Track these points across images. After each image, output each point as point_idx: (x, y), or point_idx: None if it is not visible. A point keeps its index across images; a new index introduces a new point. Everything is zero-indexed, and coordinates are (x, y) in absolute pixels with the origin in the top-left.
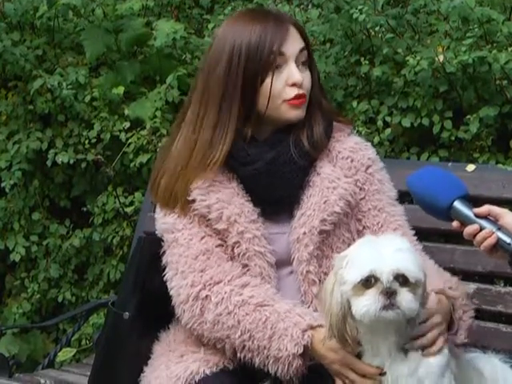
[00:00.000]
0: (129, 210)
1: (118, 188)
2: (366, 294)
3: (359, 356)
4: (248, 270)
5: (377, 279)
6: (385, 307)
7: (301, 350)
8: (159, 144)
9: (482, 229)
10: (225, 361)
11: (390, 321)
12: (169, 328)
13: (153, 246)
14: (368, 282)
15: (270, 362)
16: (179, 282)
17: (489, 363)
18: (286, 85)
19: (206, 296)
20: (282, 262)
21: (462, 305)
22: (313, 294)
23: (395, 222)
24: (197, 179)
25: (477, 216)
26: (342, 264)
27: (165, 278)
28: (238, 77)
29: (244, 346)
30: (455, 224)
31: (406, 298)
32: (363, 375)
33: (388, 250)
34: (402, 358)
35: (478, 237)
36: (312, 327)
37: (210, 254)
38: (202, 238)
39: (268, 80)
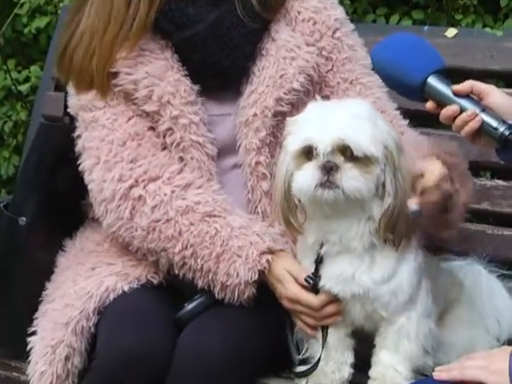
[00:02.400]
0: (23, 88)
1: (9, 61)
2: (304, 167)
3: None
4: (184, 165)
5: (315, 150)
6: (321, 185)
7: (255, 277)
8: (61, 4)
9: (462, 110)
10: (148, 274)
11: (328, 202)
12: (76, 235)
13: (58, 134)
14: (310, 153)
15: (217, 287)
16: (102, 174)
17: (471, 271)
18: None
19: (140, 196)
20: (226, 152)
21: (460, 174)
22: (262, 190)
23: (372, 96)
24: (120, 50)
25: (456, 94)
26: (292, 130)
27: (80, 168)
28: None
29: (184, 264)
30: (430, 105)
31: (347, 175)
32: (316, 309)
33: (336, 116)
34: (367, 263)
35: (458, 120)
36: (271, 251)
37: (140, 139)
38: (130, 118)
39: None
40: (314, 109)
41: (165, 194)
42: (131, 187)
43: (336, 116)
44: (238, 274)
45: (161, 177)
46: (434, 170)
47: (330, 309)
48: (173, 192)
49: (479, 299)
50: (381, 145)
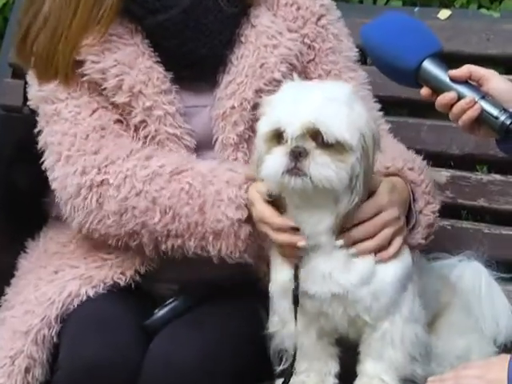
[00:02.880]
0: None
1: None
2: (273, 151)
3: None
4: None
5: (284, 134)
6: (288, 171)
7: (246, 213)
8: None
9: (460, 97)
10: (114, 275)
11: (295, 190)
12: (39, 236)
13: (17, 126)
14: (280, 137)
15: (210, 239)
16: (65, 169)
17: (468, 269)
18: None
19: (102, 181)
20: (202, 147)
21: (424, 193)
22: None
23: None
24: (87, 36)
25: (453, 80)
26: (265, 110)
27: (43, 167)
28: None
29: (169, 232)
30: (424, 91)
31: (316, 162)
32: (278, 229)
33: (310, 97)
34: (342, 262)
35: (456, 108)
36: (249, 178)
37: (104, 131)
38: (95, 110)
39: None
40: (289, 88)
41: (127, 169)
42: (95, 176)
43: (309, 97)
44: (227, 216)
45: (121, 156)
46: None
47: (285, 237)
48: (135, 166)
49: (476, 299)
50: (357, 132)
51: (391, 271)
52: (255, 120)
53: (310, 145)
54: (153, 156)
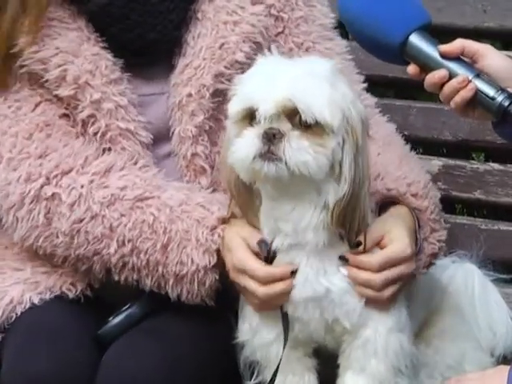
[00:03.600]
0: None
1: None
2: (244, 133)
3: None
4: (103, 151)
5: (256, 113)
6: (261, 156)
7: (214, 260)
8: None
9: (452, 76)
10: (63, 285)
11: (269, 178)
12: None
13: None
14: (253, 117)
15: (170, 282)
16: (6, 174)
17: (460, 272)
18: None
19: (53, 194)
20: (160, 138)
21: (429, 220)
22: (201, 187)
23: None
24: (22, 21)
25: (444, 56)
26: (236, 89)
27: None
28: None
29: (125, 264)
30: (412, 69)
31: (292, 146)
32: (260, 281)
33: (286, 72)
34: (326, 263)
35: (447, 88)
36: (224, 220)
37: (50, 129)
38: (37, 105)
39: None
40: (264, 63)
41: (82, 186)
42: (42, 186)
43: (286, 72)
44: (192, 261)
45: (74, 166)
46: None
47: (278, 287)
48: (91, 182)
49: (470, 306)
50: (339, 112)
51: (383, 321)
52: (216, 108)
53: (285, 126)
54: (111, 168)
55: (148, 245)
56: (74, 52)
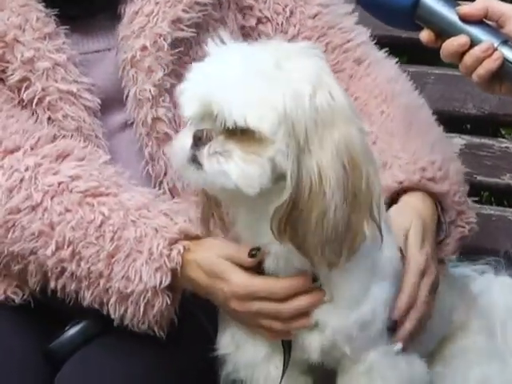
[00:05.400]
0: None
1: None
2: (181, 132)
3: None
4: (54, 128)
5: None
6: (189, 162)
7: (167, 280)
8: None
9: (474, 43)
10: (8, 288)
11: (197, 186)
12: None
13: None
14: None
15: (112, 300)
16: None
17: (496, 283)
18: None
19: None
20: (109, 105)
21: (454, 202)
22: (166, 159)
23: (322, 19)
24: None
25: (465, 20)
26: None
27: None
28: None
29: (63, 271)
30: (426, 35)
31: (212, 151)
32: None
33: (219, 67)
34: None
35: (469, 57)
36: (188, 236)
37: None
38: None
39: None
40: (211, 57)
41: (26, 169)
42: None
43: (220, 67)
44: (140, 278)
45: (22, 145)
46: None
47: (303, 300)
48: (39, 165)
49: (501, 325)
50: (274, 115)
51: (382, 291)
52: (177, 62)
53: (214, 128)
54: (68, 155)
55: (91, 251)
56: None
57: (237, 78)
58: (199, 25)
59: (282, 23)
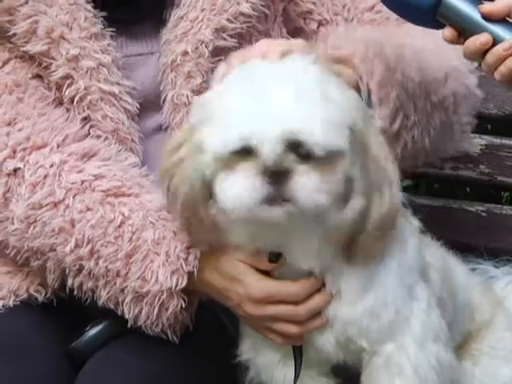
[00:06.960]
0: None
1: None
2: (237, 170)
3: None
4: (91, 128)
5: (255, 149)
6: (268, 200)
7: (183, 282)
8: None
9: (496, 41)
10: (30, 286)
11: (275, 222)
12: None
13: None
14: (247, 152)
15: (127, 299)
16: None
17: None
18: None
19: (15, 170)
20: (146, 108)
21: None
22: None
23: (379, 11)
24: None
25: (487, 18)
26: (202, 116)
27: None
28: None
29: (81, 269)
30: (448, 33)
31: (304, 185)
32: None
33: (278, 94)
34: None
35: (491, 56)
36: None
37: (22, 91)
38: (6, 62)
39: None
40: (239, 81)
41: (51, 165)
42: (5, 159)
43: (277, 93)
44: (157, 279)
45: (49, 142)
46: None
47: (318, 300)
48: (64, 162)
49: None
50: (343, 127)
51: (393, 276)
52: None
53: (289, 160)
54: (94, 154)
55: (109, 250)
56: (47, 1)
57: (307, 105)
58: (242, 35)
59: (341, 22)
